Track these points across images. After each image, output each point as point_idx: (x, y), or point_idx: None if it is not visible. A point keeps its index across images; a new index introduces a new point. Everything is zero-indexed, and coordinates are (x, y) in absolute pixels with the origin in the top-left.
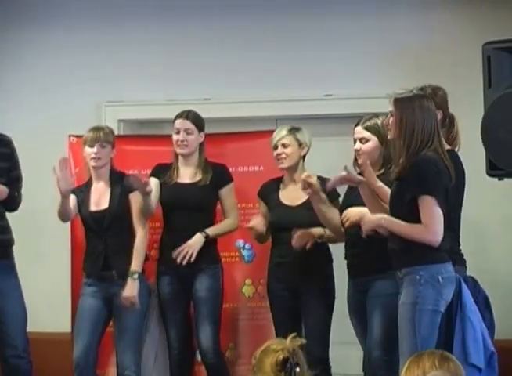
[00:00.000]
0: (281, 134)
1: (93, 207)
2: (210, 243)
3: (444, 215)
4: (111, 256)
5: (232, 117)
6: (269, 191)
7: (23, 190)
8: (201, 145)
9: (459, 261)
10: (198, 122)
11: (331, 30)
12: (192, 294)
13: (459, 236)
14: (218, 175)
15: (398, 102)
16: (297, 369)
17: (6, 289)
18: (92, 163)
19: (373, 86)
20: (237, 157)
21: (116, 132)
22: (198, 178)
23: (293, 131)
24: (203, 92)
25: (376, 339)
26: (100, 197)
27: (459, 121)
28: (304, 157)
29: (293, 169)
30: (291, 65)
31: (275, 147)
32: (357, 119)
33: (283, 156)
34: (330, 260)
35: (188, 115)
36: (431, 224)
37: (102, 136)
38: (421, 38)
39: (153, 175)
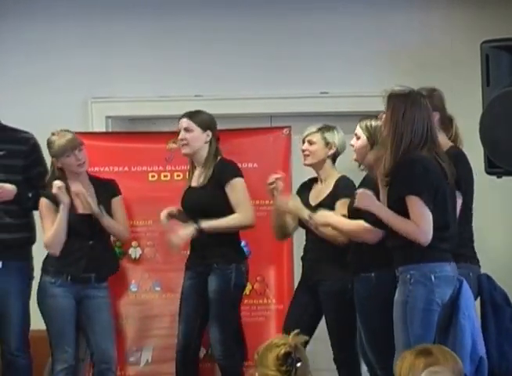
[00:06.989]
0: (310, 130)
1: (81, 210)
2: (223, 242)
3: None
4: (95, 259)
5: (225, 114)
6: (303, 190)
7: None
8: (211, 145)
9: (468, 259)
10: (200, 120)
11: (328, 27)
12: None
13: (472, 235)
14: (219, 174)
15: (391, 99)
16: (298, 364)
17: (14, 291)
18: (81, 169)
19: (369, 84)
20: (232, 154)
21: (104, 129)
22: (201, 179)
23: (323, 129)
24: (195, 88)
25: (366, 346)
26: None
27: (458, 119)
28: (334, 157)
29: (317, 167)
30: (286, 62)
31: (303, 142)
32: (352, 117)
33: (307, 152)
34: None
35: (189, 114)
36: (422, 224)
37: (75, 141)
38: (419, 37)
39: None
